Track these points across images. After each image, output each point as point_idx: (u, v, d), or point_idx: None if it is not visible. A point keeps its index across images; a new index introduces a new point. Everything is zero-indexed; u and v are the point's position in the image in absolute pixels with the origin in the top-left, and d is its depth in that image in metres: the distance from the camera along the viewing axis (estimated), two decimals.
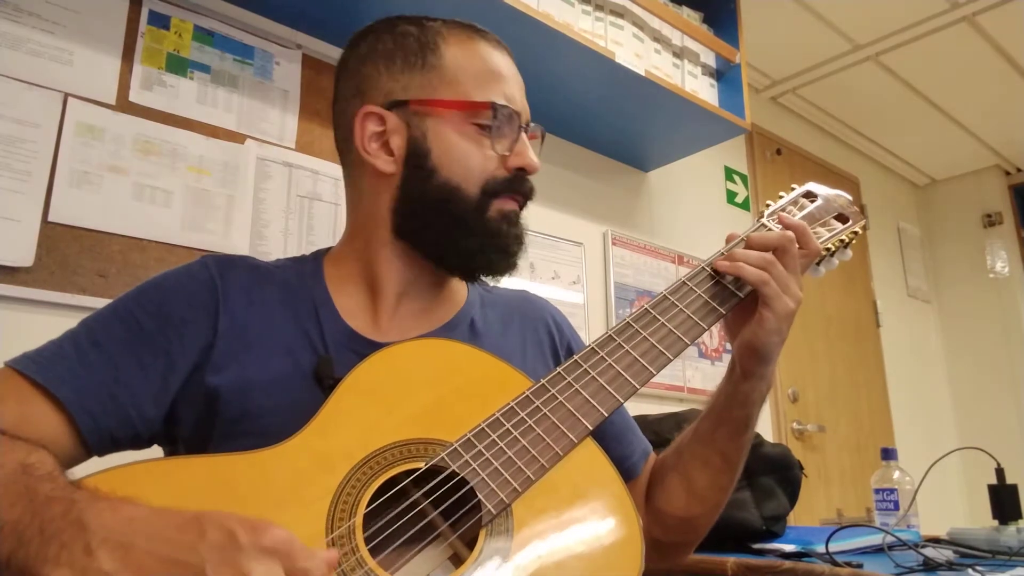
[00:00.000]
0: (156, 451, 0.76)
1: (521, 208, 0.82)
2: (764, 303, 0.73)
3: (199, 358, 0.72)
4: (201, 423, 0.71)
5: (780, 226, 0.83)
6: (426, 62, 0.79)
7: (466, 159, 0.77)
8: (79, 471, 0.58)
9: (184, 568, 0.45)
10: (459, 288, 0.88)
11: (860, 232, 0.87)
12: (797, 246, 0.76)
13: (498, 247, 0.78)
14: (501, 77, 0.80)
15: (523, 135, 0.80)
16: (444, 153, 0.77)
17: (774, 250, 0.76)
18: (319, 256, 0.86)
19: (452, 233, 0.78)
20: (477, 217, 0.77)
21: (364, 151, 0.79)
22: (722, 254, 0.78)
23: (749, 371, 0.76)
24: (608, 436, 0.85)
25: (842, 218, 0.86)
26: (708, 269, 0.78)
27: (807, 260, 0.79)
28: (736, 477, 0.82)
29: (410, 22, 0.83)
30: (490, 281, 0.83)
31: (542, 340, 0.89)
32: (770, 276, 0.73)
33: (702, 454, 0.81)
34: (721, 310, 0.75)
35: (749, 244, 0.77)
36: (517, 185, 0.79)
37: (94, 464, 0.61)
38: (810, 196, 0.88)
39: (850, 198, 0.89)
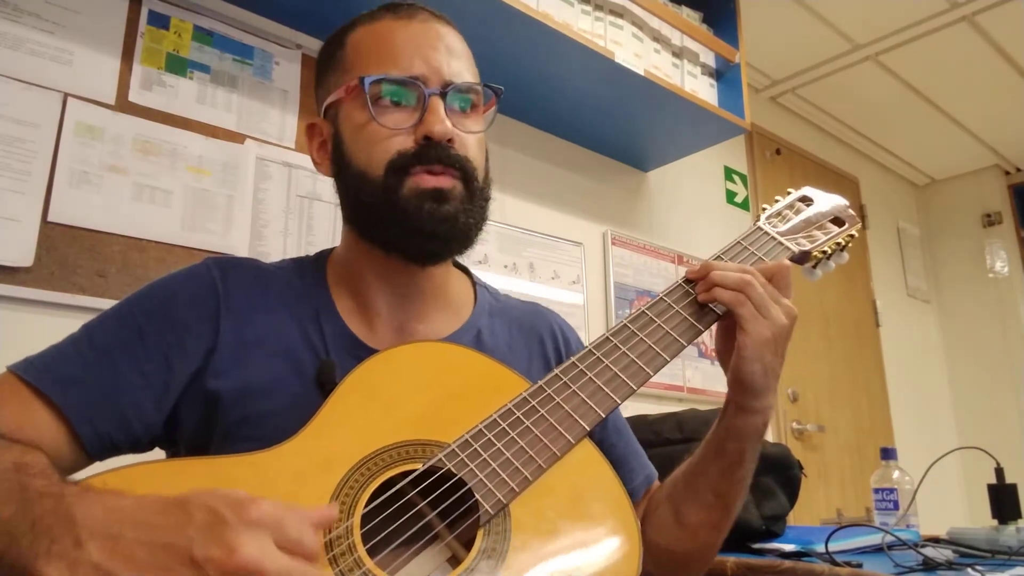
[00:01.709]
0: (157, 453, 0.76)
1: (465, 183, 0.74)
2: (740, 327, 0.70)
3: (201, 362, 0.71)
4: (202, 426, 0.71)
5: (776, 230, 0.83)
6: (336, 59, 0.80)
7: (366, 142, 0.74)
8: (80, 476, 0.58)
9: (172, 551, 0.45)
10: (465, 296, 0.87)
11: (856, 235, 0.87)
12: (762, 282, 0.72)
13: (415, 229, 0.72)
14: (395, 48, 0.75)
15: (435, 101, 0.74)
16: (351, 141, 0.76)
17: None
18: (322, 257, 0.85)
19: (371, 221, 0.76)
20: (387, 199, 0.73)
21: (314, 162, 0.82)
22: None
23: (740, 404, 0.72)
24: (609, 460, 0.81)
25: (838, 221, 0.87)
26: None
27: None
28: (731, 518, 0.77)
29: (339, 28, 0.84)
30: (435, 265, 0.79)
31: (548, 354, 0.87)
32: (746, 297, 0.70)
33: (695, 488, 0.77)
34: (716, 311, 0.75)
35: (717, 279, 0.73)
36: (424, 154, 0.72)
37: (94, 468, 0.61)
38: (806, 200, 0.89)
39: (846, 202, 0.89)
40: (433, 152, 0.73)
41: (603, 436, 0.85)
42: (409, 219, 0.72)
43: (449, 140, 0.73)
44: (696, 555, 0.80)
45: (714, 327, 0.76)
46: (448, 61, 0.76)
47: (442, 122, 0.73)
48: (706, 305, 0.74)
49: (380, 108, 0.74)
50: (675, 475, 0.82)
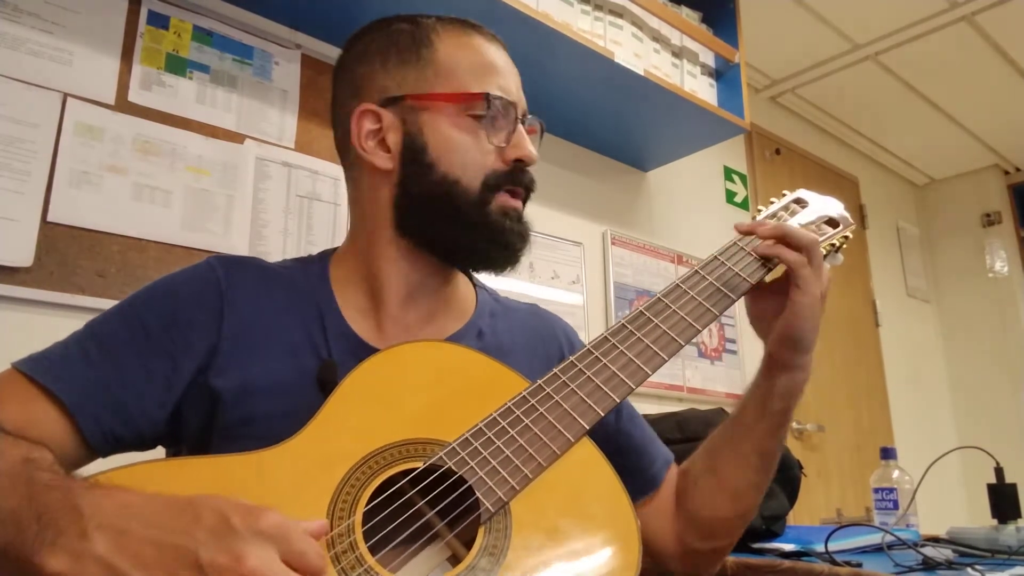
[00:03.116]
0: (160, 452, 0.76)
1: (524, 203, 0.82)
2: (798, 286, 0.74)
3: (203, 360, 0.71)
4: (204, 425, 0.71)
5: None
6: (420, 57, 0.80)
7: (464, 152, 0.77)
8: (83, 472, 0.58)
9: (178, 552, 0.45)
10: (467, 297, 0.88)
11: (851, 237, 0.88)
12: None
13: (501, 242, 0.78)
14: (496, 69, 0.80)
15: (520, 126, 0.80)
16: (441, 147, 0.77)
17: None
18: (325, 257, 0.85)
19: (455, 227, 0.78)
20: (478, 211, 0.77)
21: (361, 148, 0.79)
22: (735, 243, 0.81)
23: (788, 362, 0.78)
24: (629, 449, 0.87)
25: (833, 223, 0.87)
26: (701, 272, 0.79)
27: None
28: (770, 478, 0.83)
29: (405, 20, 0.83)
30: (491, 276, 0.83)
31: (551, 356, 0.88)
32: (809, 259, 0.75)
33: (740, 452, 0.82)
34: (714, 311, 0.75)
35: (789, 236, 0.78)
36: (517, 177, 0.79)
37: (98, 465, 0.62)
38: (800, 202, 0.90)
39: (841, 204, 0.90)
40: (520, 176, 0.80)
41: (619, 426, 0.88)
42: (497, 233, 0.78)
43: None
44: (741, 518, 0.84)
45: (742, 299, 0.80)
46: (520, 89, 0.83)
47: (532, 148, 0.80)
48: (704, 304, 0.75)
49: (485, 123, 0.78)
50: (709, 448, 0.86)
